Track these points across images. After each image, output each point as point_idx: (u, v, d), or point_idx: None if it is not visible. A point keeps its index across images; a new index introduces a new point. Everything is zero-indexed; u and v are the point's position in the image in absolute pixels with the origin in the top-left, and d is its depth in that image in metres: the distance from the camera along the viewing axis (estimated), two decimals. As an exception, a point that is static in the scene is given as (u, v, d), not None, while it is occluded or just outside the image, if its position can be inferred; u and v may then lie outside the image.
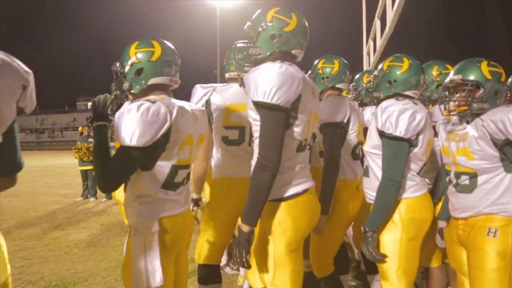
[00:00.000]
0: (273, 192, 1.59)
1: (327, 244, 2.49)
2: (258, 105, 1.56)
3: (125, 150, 1.48)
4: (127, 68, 1.66)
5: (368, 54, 7.80)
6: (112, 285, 3.47)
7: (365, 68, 8.62)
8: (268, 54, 1.69)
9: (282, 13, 1.69)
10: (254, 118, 1.63)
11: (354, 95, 3.15)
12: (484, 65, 1.85)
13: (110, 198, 8.31)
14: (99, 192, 8.66)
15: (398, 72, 2.07)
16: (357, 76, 3.31)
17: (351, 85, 3.10)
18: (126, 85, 1.66)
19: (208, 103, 2.30)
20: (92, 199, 8.39)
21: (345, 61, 2.58)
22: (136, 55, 1.65)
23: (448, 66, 2.55)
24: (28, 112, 1.14)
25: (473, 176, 1.86)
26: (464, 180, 1.90)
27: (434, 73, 2.55)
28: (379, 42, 5.92)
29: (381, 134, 1.96)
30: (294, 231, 1.66)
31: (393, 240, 1.98)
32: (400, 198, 1.99)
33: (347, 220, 2.52)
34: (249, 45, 1.76)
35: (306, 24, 1.75)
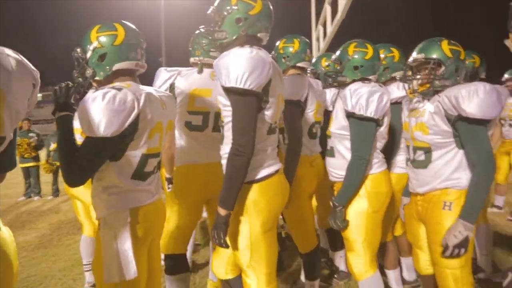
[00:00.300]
0: (247, 175, 1.59)
1: (300, 220, 2.53)
2: (230, 91, 1.55)
3: (91, 141, 1.40)
4: (89, 54, 1.56)
5: (318, 39, 7.95)
6: (70, 285, 3.29)
7: (314, 53, 8.81)
8: (234, 38, 1.67)
9: None
10: (224, 104, 1.62)
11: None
12: (444, 43, 1.93)
13: (57, 195, 7.87)
14: (44, 190, 8.14)
15: (364, 58, 2.15)
16: (314, 60, 3.35)
17: (309, 69, 3.14)
18: (89, 72, 1.57)
19: (172, 87, 2.24)
20: (36, 197, 7.87)
21: (306, 40, 2.59)
22: (98, 40, 1.55)
23: (393, 49, 2.65)
24: (31, 109, 1.19)
25: (428, 151, 1.94)
26: (420, 155, 1.98)
27: (382, 56, 2.64)
28: (329, 28, 6.05)
29: (351, 115, 2.03)
30: (268, 211, 1.69)
31: (360, 213, 2.10)
32: (367, 174, 2.09)
33: (305, 193, 2.54)
34: (214, 29, 1.72)
35: (271, 7, 1.74)
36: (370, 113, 1.98)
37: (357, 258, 2.14)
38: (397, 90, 2.48)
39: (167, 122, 1.71)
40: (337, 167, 2.17)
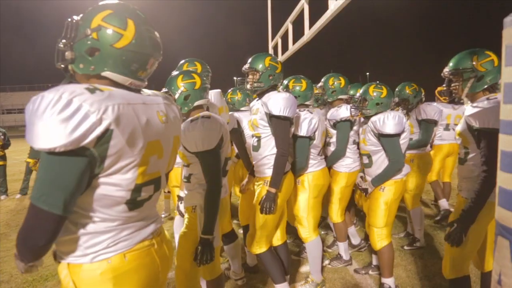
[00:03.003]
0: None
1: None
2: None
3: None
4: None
5: (275, 48, 8.69)
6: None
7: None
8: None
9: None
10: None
11: None
12: (371, 88, 2.94)
13: (25, 194, 8.00)
14: (11, 188, 8.25)
15: (300, 90, 3.11)
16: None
17: None
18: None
19: None
20: (3, 196, 7.97)
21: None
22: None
23: (341, 78, 3.56)
24: None
25: (369, 156, 2.95)
26: (365, 159, 3.02)
27: (331, 83, 3.54)
28: (290, 45, 6.77)
29: (293, 135, 2.94)
30: (284, 195, 2.68)
31: (304, 199, 3.05)
32: (308, 172, 3.03)
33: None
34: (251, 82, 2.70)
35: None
36: (303, 133, 2.93)
37: (304, 228, 3.06)
38: (345, 111, 3.33)
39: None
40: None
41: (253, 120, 2.65)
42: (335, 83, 3.52)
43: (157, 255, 1.34)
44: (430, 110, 3.93)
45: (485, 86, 2.12)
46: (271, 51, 9.27)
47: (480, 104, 2.04)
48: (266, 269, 2.77)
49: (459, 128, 2.21)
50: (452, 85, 2.23)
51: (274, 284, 2.76)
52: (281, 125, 2.53)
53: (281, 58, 8.01)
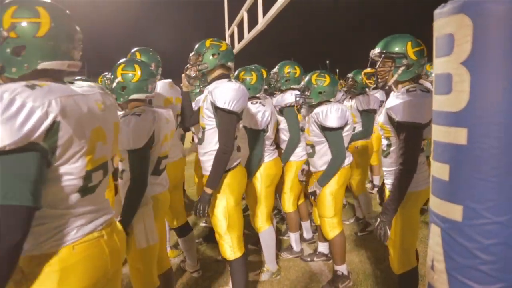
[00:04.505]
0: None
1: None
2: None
3: None
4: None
5: (232, 36, 8.61)
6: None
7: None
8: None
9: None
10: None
11: None
12: (314, 76, 2.90)
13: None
14: None
15: (250, 83, 3.00)
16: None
17: None
18: None
19: None
20: None
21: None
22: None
23: (297, 67, 3.52)
24: None
25: (312, 146, 2.92)
26: (309, 149, 2.97)
27: (285, 71, 3.49)
28: (246, 34, 6.72)
29: (245, 127, 2.90)
30: (238, 190, 2.50)
31: (257, 188, 3.05)
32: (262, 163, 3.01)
33: None
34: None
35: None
36: (257, 127, 2.90)
37: (257, 218, 3.05)
38: (290, 97, 3.28)
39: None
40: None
41: (201, 108, 2.46)
42: (290, 71, 3.46)
43: (107, 246, 1.33)
44: (368, 100, 4.06)
45: (412, 76, 2.06)
46: (228, 39, 9.17)
47: (400, 96, 2.00)
48: (232, 277, 2.54)
49: (381, 119, 2.17)
50: (380, 69, 2.11)
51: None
52: (226, 118, 2.29)
53: (237, 46, 7.94)
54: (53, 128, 1.10)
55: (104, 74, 3.84)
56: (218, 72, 2.50)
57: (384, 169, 2.26)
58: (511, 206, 0.91)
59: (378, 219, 2.07)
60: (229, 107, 2.26)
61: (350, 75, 4.28)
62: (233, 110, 2.28)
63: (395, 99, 2.03)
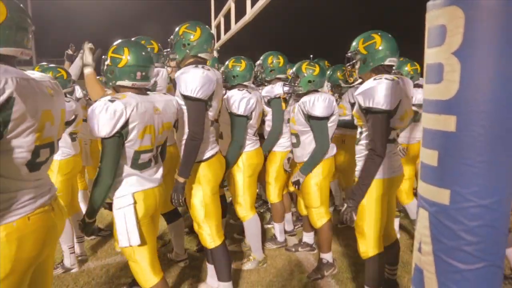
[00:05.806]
0: (198, 156, 2.33)
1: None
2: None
3: None
4: None
5: (217, 27, 8.54)
6: None
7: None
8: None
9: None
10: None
11: None
12: (304, 65, 2.93)
13: None
14: None
15: (239, 70, 3.02)
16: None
17: None
18: None
19: None
20: None
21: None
22: None
23: (280, 56, 3.52)
24: None
25: (297, 136, 2.96)
26: (293, 138, 3.01)
27: (269, 61, 3.50)
28: (233, 25, 6.67)
29: (230, 113, 2.91)
30: (215, 180, 2.48)
31: (240, 177, 3.07)
32: (242, 151, 3.02)
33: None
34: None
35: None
36: (240, 112, 2.88)
37: (241, 207, 3.10)
38: (279, 88, 3.30)
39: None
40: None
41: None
42: (274, 61, 3.48)
43: (56, 217, 1.55)
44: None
45: (369, 69, 2.19)
46: (214, 30, 9.08)
47: (366, 84, 2.10)
48: (214, 265, 2.57)
49: (354, 109, 2.25)
50: (347, 65, 2.31)
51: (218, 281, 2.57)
52: (192, 106, 2.24)
53: (224, 37, 7.88)
54: (9, 103, 1.24)
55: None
56: (189, 61, 2.42)
57: (356, 157, 2.32)
58: (495, 190, 0.97)
59: (345, 204, 2.15)
60: (193, 94, 2.22)
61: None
62: (198, 97, 2.23)
63: (362, 87, 2.13)
